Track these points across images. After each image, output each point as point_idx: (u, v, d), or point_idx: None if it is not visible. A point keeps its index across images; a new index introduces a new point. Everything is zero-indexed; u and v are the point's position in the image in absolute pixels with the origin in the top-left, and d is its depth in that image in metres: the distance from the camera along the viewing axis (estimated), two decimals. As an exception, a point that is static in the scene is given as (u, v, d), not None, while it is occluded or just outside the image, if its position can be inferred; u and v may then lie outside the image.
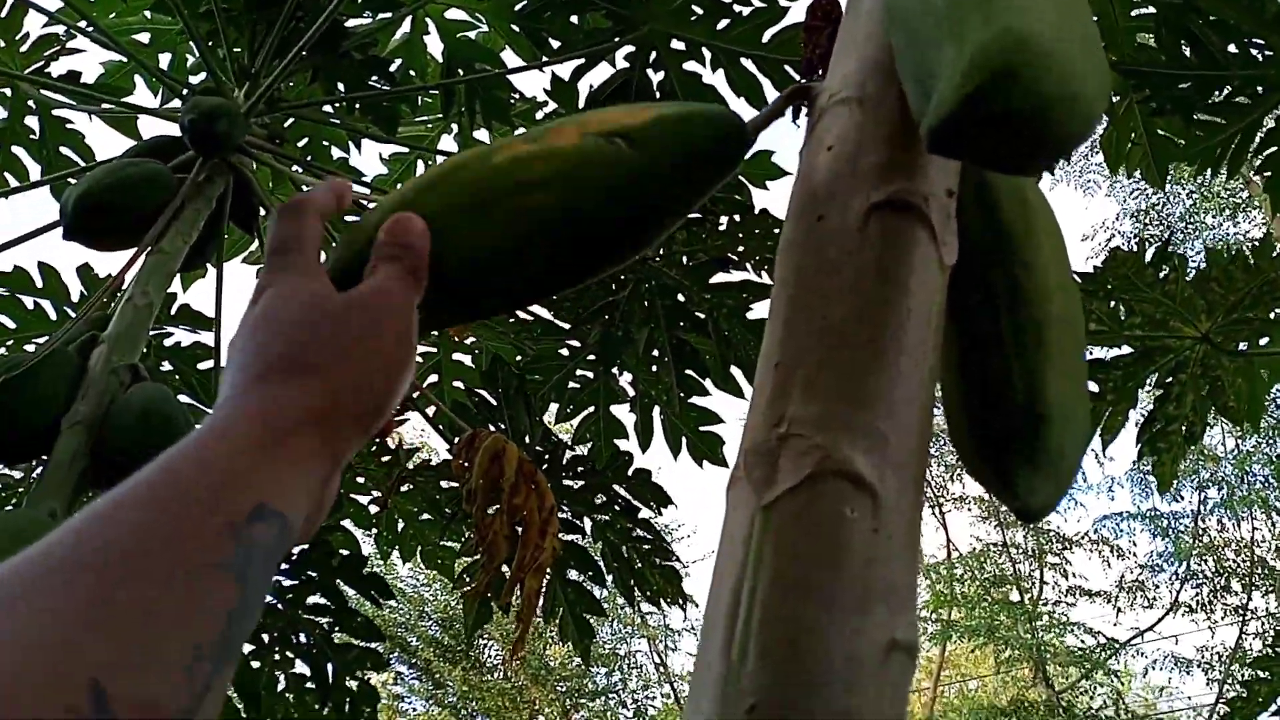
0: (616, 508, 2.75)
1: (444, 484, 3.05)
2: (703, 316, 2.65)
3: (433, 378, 3.25)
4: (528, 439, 2.70)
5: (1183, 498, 11.08)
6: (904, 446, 0.67)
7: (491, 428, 2.68)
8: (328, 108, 3.06)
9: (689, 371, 2.76)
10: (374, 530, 3.38)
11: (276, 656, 2.67)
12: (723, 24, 2.44)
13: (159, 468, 0.48)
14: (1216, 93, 2.07)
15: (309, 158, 3.29)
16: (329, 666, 2.62)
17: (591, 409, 3.02)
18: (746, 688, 0.60)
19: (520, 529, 2.18)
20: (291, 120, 3.09)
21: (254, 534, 0.47)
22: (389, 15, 2.85)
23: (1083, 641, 10.87)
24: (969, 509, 12.03)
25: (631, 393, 2.96)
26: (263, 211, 2.63)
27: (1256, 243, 1.96)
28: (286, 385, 0.55)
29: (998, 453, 0.73)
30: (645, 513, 2.73)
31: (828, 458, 0.65)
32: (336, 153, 3.26)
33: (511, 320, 2.87)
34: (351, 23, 2.82)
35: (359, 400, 0.57)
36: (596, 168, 0.70)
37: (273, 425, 0.53)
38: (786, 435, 0.67)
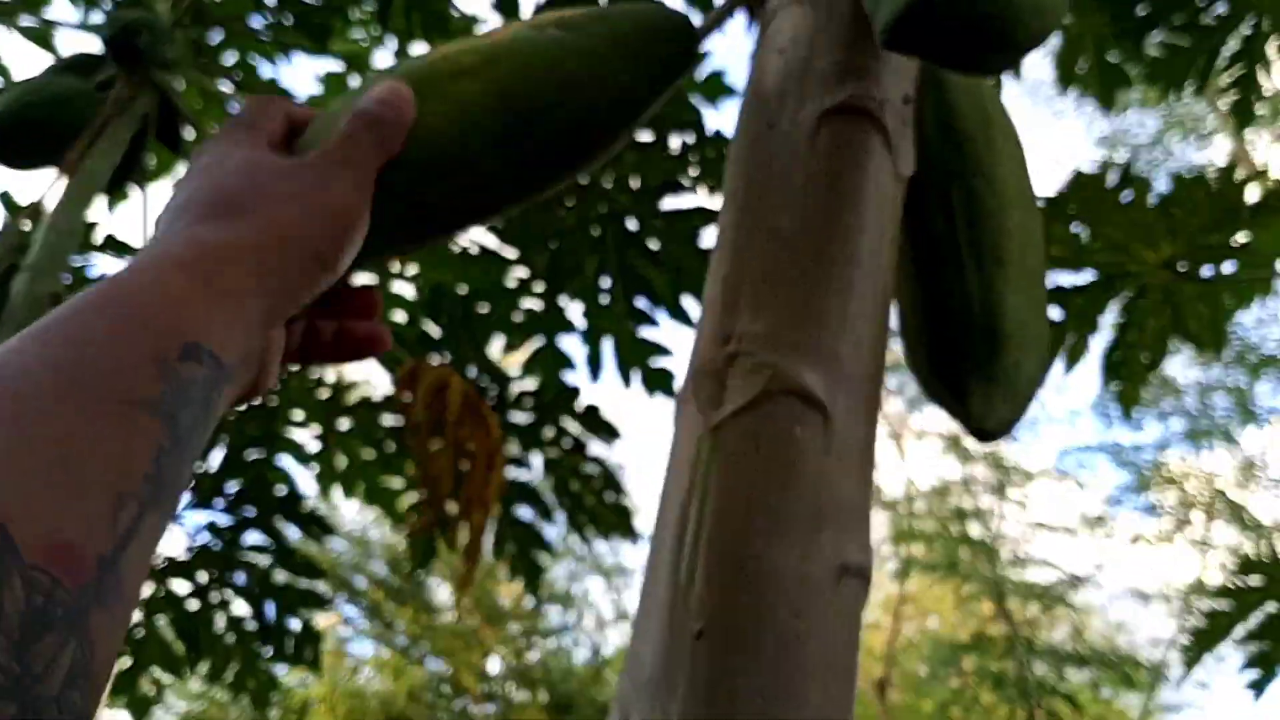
0: (566, 443, 2.72)
1: (386, 420, 3.00)
2: (653, 245, 2.61)
3: (377, 309, 3.18)
4: (472, 372, 2.64)
5: (1141, 433, 11.33)
6: (857, 364, 0.64)
7: (435, 360, 2.63)
8: (257, 23, 2.93)
9: (640, 301, 2.72)
10: (314, 468, 3.32)
11: (215, 597, 2.62)
12: (672, -60, 2.36)
13: (80, 304, 0.43)
14: (1178, 13, 2.05)
15: (239, 75, 3.17)
16: (269, 607, 2.58)
17: (540, 340, 2.97)
18: (694, 611, 0.57)
19: (465, 464, 2.14)
20: (220, 38, 2.96)
21: (183, 372, 0.42)
22: (322, -75, 2.72)
23: (1042, 576, 11.14)
24: (930, 443, 12.18)
25: (581, 324, 2.92)
26: (190, 131, 2.52)
27: (1221, 168, 1.95)
28: (217, 224, 0.49)
29: (953, 370, 0.71)
30: (595, 448, 2.70)
31: (777, 376, 0.62)
32: (267, 72, 3.13)
33: (456, 250, 2.80)
34: (282, -68, 2.69)
35: (300, 244, 0.51)
36: (530, 52, 0.64)
37: (202, 261, 0.47)
38: (735, 354, 0.64)
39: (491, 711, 13.47)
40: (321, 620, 13.12)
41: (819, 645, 0.57)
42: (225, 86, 2.66)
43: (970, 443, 11.68)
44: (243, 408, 2.84)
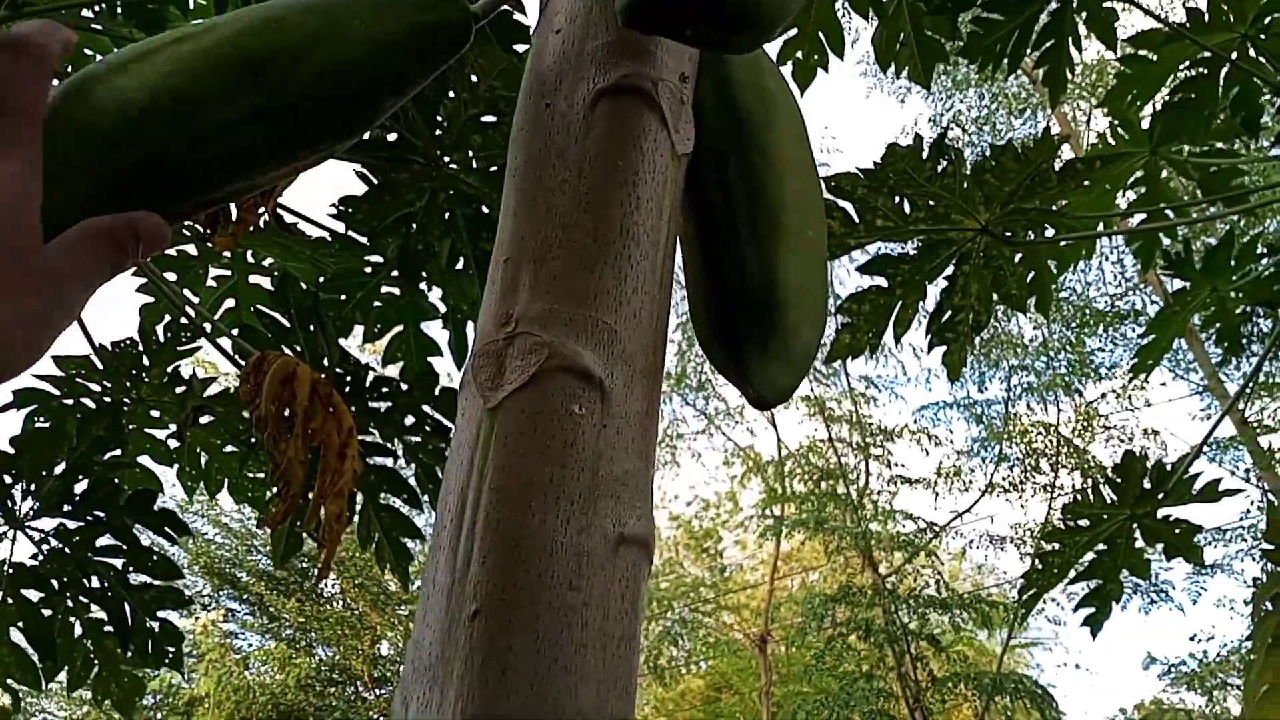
0: (427, 428, 2.69)
1: (245, 414, 2.92)
2: (505, 226, 2.58)
3: (229, 303, 3.08)
4: (326, 361, 2.59)
5: (988, 388, 11.89)
6: (634, 340, 0.66)
7: (288, 351, 2.56)
8: (87, 12, 2.79)
9: (494, 284, 2.69)
10: (175, 466, 3.22)
11: (70, 602, 2.52)
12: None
13: None
14: (992, -12, 2.13)
15: (69, 69, 3.01)
16: (127, 608, 2.49)
17: (400, 327, 2.92)
18: (469, 593, 0.58)
19: (318, 453, 2.10)
20: (44, 26, 2.80)
21: None
22: (147, -92, 2.60)
23: (904, 527, 11.59)
24: (797, 408, 12.51)
25: (442, 308, 2.88)
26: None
27: (1037, 137, 2.04)
28: None
29: (733, 340, 0.73)
30: (455, 430, 2.67)
31: (553, 354, 0.63)
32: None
33: (308, 238, 2.73)
34: (107, -83, 2.56)
35: None
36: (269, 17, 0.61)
37: None
38: (514, 334, 0.65)
39: (385, 695, 13.32)
40: (204, 616, 12.71)
41: (597, 616, 0.58)
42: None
43: (834, 405, 12.05)
44: (91, 405, 2.72)
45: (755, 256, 0.73)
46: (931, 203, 2.01)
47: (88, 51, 2.96)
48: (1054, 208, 2.13)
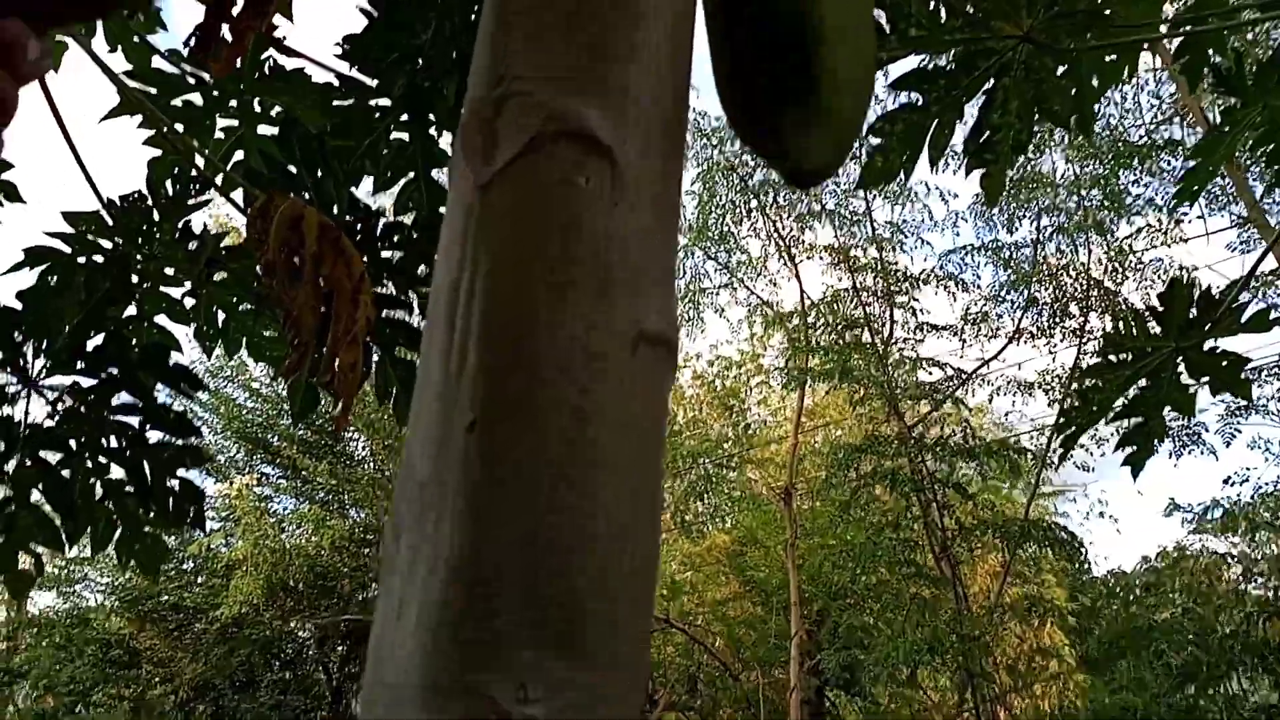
0: (441, 275, 2.60)
1: (256, 266, 2.84)
2: (514, 59, 2.44)
3: (238, 155, 2.96)
4: (335, 209, 2.49)
5: (1019, 227, 11.55)
6: (651, 100, 0.55)
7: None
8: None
9: (505, 123, 2.56)
10: (191, 324, 3.16)
11: (88, 463, 2.50)
12: None
13: None
14: None
15: None
16: (146, 467, 2.46)
17: (410, 174, 2.81)
18: (465, 401, 0.49)
19: (329, 300, 2.02)
20: None
21: None
22: None
23: (930, 375, 11.49)
24: (820, 258, 12.26)
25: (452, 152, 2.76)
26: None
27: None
28: None
29: (768, 106, 0.62)
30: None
31: (553, 116, 0.52)
32: None
33: (314, 82, 2.60)
34: None
35: None
36: None
37: None
38: (506, 95, 0.54)
39: (418, 554, 13.69)
40: (238, 480, 13.02)
41: (611, 426, 0.49)
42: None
43: (859, 253, 11.83)
44: (99, 259, 2.65)
45: (789, 11, 0.61)
46: (969, 8, 1.84)
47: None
48: (1098, 11, 1.95)
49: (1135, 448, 2.51)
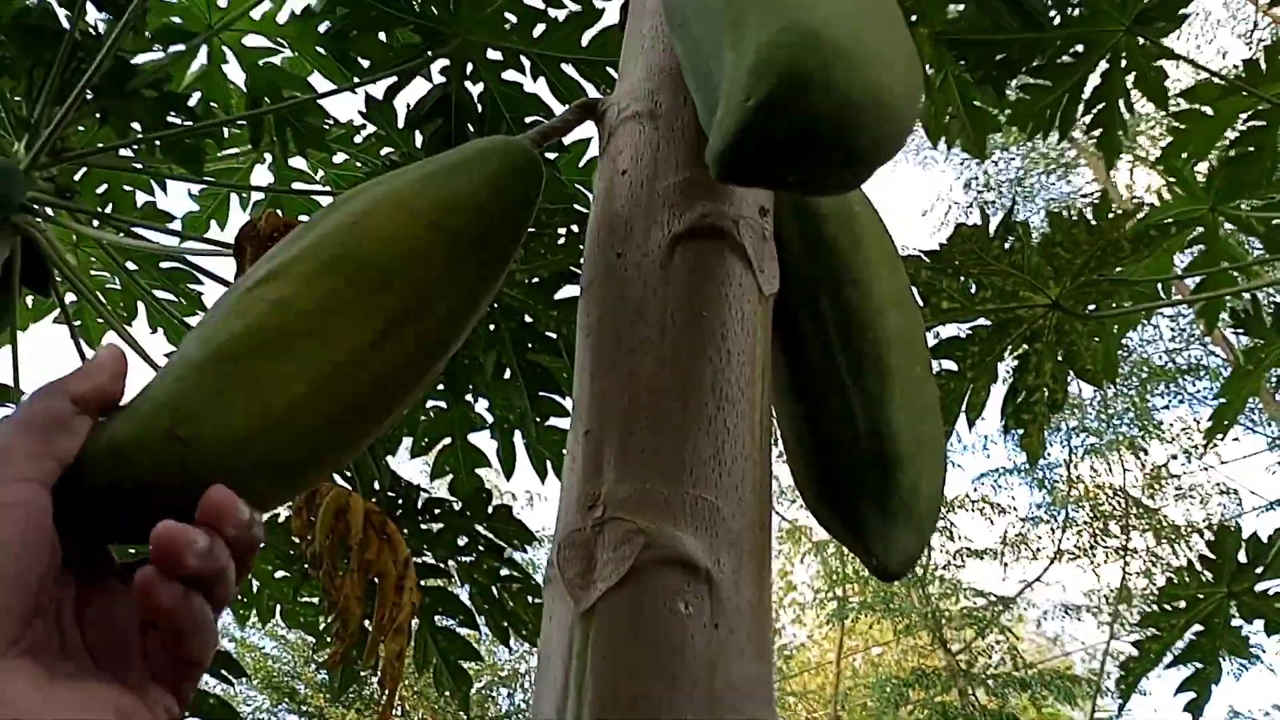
0: (481, 548, 2.61)
1: (295, 538, 2.86)
2: (551, 335, 2.55)
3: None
4: (376, 484, 2.53)
5: (1050, 450, 11.56)
6: (739, 515, 0.57)
7: (338, 477, 2.51)
8: (126, 151, 2.82)
9: (543, 392, 2.65)
10: (228, 595, 3.15)
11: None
12: (539, 30, 2.33)
13: None
14: (1039, 55, 2.08)
15: (109, 206, 3.04)
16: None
17: (448, 440, 2.87)
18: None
19: (375, 585, 2.02)
20: (85, 170, 2.84)
21: None
22: (181, 48, 2.63)
23: (973, 602, 11.18)
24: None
25: (489, 418, 2.83)
26: (57, 273, 2.40)
27: (1095, 201, 1.95)
28: None
29: (846, 501, 0.64)
30: (511, 550, 2.60)
31: (651, 544, 0.55)
32: (142, 197, 3.01)
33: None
34: (140, 58, 2.59)
35: None
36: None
37: None
38: (603, 520, 0.57)
39: (447, 811, 12.99)
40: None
41: None
42: (95, 222, 2.54)
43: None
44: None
45: (861, 404, 0.65)
46: (998, 281, 1.94)
47: (126, 189, 2.99)
48: (1118, 274, 2.05)
49: (1194, 693, 2.45)
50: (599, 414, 0.60)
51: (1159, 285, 2.69)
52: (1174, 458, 10.98)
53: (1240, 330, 2.69)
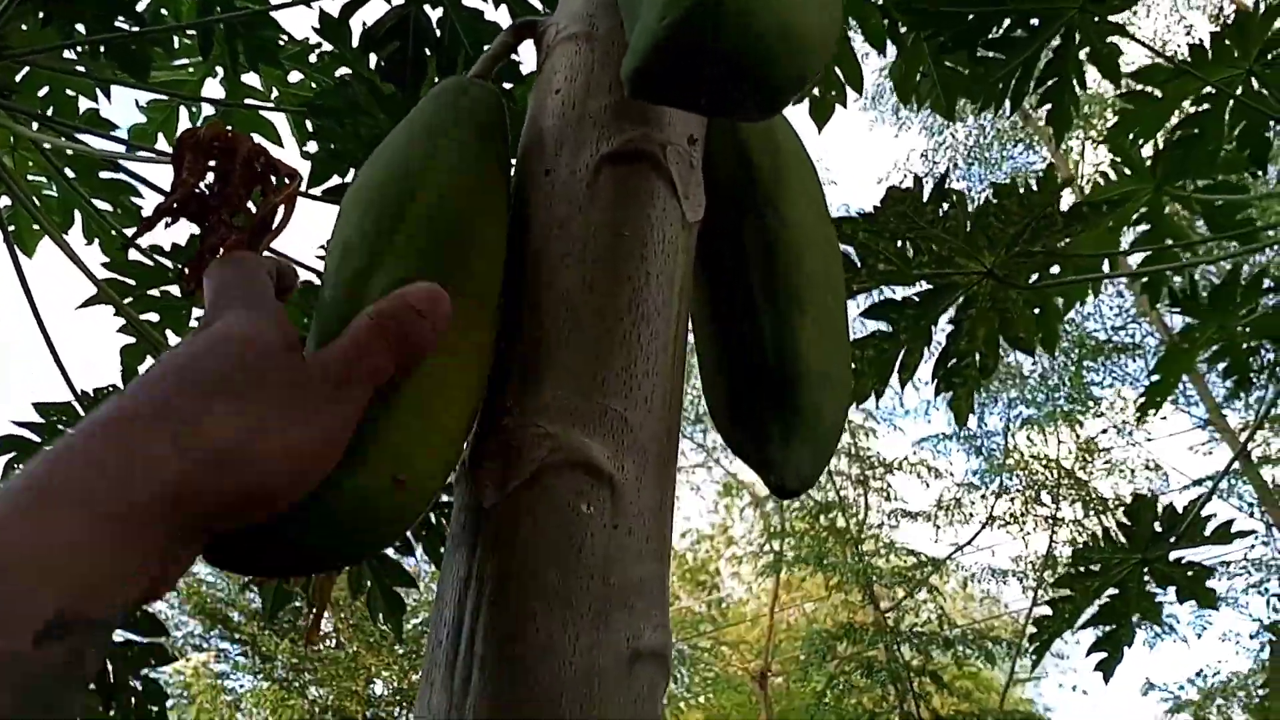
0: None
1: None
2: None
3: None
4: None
5: (989, 420, 11.83)
6: (647, 428, 0.60)
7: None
8: (72, 54, 2.74)
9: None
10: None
11: (50, 661, 2.44)
12: (502, -45, 2.31)
13: None
14: (995, 28, 2.10)
15: (50, 110, 2.96)
16: (108, 665, 2.41)
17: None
18: (471, 717, 0.52)
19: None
20: (27, 70, 2.76)
21: (36, 660, 0.36)
22: (132, -51, 2.56)
23: (905, 561, 11.47)
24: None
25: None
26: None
27: (1039, 175, 1.99)
28: (158, 436, 0.43)
29: (752, 422, 0.67)
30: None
31: (558, 448, 0.57)
32: (86, 103, 2.94)
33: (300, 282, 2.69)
34: (89, -42, 2.52)
35: (239, 474, 0.44)
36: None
37: (118, 498, 0.40)
38: (514, 426, 0.59)
39: (379, 738, 13.13)
40: (195, 658, 12.54)
41: (611, 742, 0.52)
42: (35, 125, 2.48)
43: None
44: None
45: (772, 329, 0.67)
46: (934, 247, 1.97)
47: (69, 93, 2.92)
48: (1059, 246, 2.08)
49: (1105, 654, 2.55)
50: (520, 326, 0.62)
51: (1104, 262, 2.75)
52: (1104, 432, 11.30)
53: (1177, 309, 2.76)
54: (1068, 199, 1.91)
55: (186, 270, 1.86)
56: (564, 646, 0.53)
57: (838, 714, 9.96)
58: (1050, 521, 11.01)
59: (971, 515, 11.67)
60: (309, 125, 2.72)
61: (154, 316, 2.62)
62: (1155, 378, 2.77)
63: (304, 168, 2.38)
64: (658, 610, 0.57)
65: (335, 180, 2.32)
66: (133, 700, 2.45)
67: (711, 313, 0.72)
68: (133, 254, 2.62)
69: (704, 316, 0.72)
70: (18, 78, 2.65)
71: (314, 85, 2.92)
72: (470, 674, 0.53)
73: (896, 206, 1.78)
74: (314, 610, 2.01)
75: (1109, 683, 2.56)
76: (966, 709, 10.13)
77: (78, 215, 2.94)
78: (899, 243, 1.85)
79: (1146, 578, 2.45)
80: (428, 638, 0.57)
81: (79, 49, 2.63)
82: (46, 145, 2.66)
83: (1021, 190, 1.83)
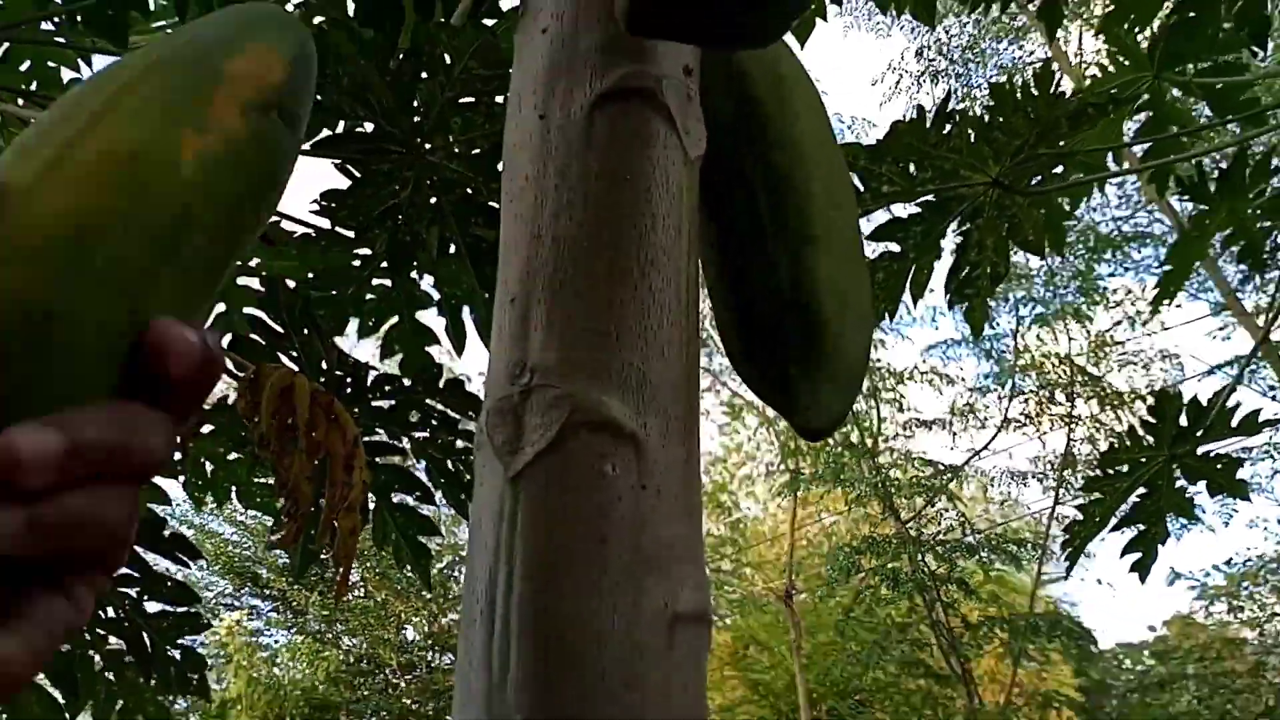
0: (434, 422, 2.62)
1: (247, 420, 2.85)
2: (494, 206, 2.50)
3: (220, 307, 3.00)
4: (324, 365, 2.51)
5: (997, 321, 11.71)
6: (667, 379, 0.57)
7: (284, 358, 2.48)
8: (47, 25, 2.67)
9: (489, 267, 2.62)
10: (180, 478, 3.16)
11: (86, 635, 2.47)
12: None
13: None
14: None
15: (33, 85, 2.90)
16: (145, 637, 2.43)
17: (395, 319, 2.85)
18: (512, 702, 0.50)
19: (325, 465, 2.03)
20: (7, 46, 2.69)
21: None
22: (97, -90, 2.47)
23: (922, 471, 11.47)
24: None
25: (436, 295, 2.80)
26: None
27: (1036, 73, 1.92)
28: None
29: (773, 363, 0.64)
30: (465, 423, 2.61)
31: (577, 409, 0.55)
32: (68, 74, 2.87)
33: (293, 236, 2.65)
34: (55, -76, 2.44)
35: None
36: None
37: None
38: (530, 387, 0.56)
39: (414, 681, 13.39)
40: (228, 617, 12.82)
41: (659, 713, 0.51)
42: (19, 100, 2.42)
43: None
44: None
45: (787, 268, 0.64)
46: (940, 164, 1.92)
47: (50, 65, 2.85)
48: (1062, 146, 2.03)
49: (1140, 553, 2.53)
50: (524, 281, 0.59)
51: (1108, 155, 2.69)
52: (1116, 324, 11.19)
53: (1186, 197, 2.71)
54: (1069, 95, 1.85)
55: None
56: (600, 618, 0.51)
57: (867, 628, 10.08)
58: (1066, 420, 10.97)
59: (986, 420, 11.65)
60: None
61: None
62: (1168, 267, 2.72)
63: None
64: (694, 570, 0.55)
65: (325, 133, 2.28)
66: (172, 670, 2.48)
67: (720, 250, 0.69)
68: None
69: (714, 258, 0.69)
70: (-2, 55, 2.58)
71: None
72: (509, 652, 0.51)
73: (902, 140, 1.73)
74: (341, 568, 2.02)
75: (1145, 582, 2.56)
76: (995, 614, 10.25)
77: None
78: (901, 164, 1.80)
79: (1176, 474, 2.43)
80: (461, 614, 0.55)
81: (56, 20, 2.56)
82: (33, 119, 2.61)
83: (1020, 95, 1.77)
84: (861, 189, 1.80)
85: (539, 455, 0.54)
